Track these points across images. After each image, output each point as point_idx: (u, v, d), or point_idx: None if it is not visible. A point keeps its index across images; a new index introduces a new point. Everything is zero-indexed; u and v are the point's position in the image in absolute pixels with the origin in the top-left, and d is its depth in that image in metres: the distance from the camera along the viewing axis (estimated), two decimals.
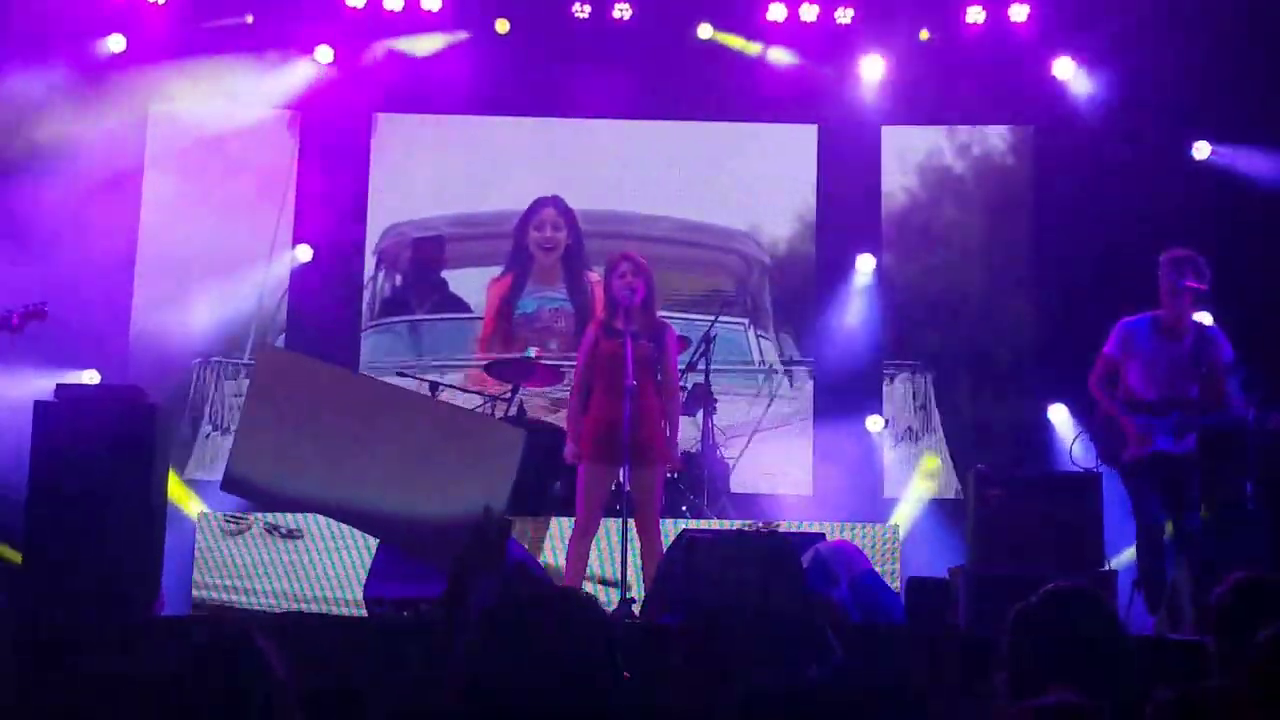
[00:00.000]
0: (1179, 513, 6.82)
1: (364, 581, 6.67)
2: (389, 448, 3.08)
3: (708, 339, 8.85)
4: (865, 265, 10.49)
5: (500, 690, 2.28)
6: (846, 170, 10.52)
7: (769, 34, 10.38)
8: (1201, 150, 9.83)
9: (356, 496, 3.10)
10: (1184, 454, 6.89)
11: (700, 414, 9.00)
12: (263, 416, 3.17)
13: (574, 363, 7.29)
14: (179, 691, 2.51)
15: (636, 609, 6.74)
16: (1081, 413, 9.55)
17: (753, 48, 10.41)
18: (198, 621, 5.89)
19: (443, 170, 10.61)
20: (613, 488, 6.94)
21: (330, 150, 10.40)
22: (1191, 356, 6.88)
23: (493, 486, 3.02)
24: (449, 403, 3.11)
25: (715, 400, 9.03)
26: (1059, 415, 10.01)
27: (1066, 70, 10.19)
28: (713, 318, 8.92)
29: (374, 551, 6.78)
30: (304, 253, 10.30)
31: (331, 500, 3.17)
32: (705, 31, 10.43)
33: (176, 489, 9.14)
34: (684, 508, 8.64)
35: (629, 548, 6.80)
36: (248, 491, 3.17)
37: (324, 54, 10.29)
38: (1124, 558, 7.69)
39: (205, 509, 9.25)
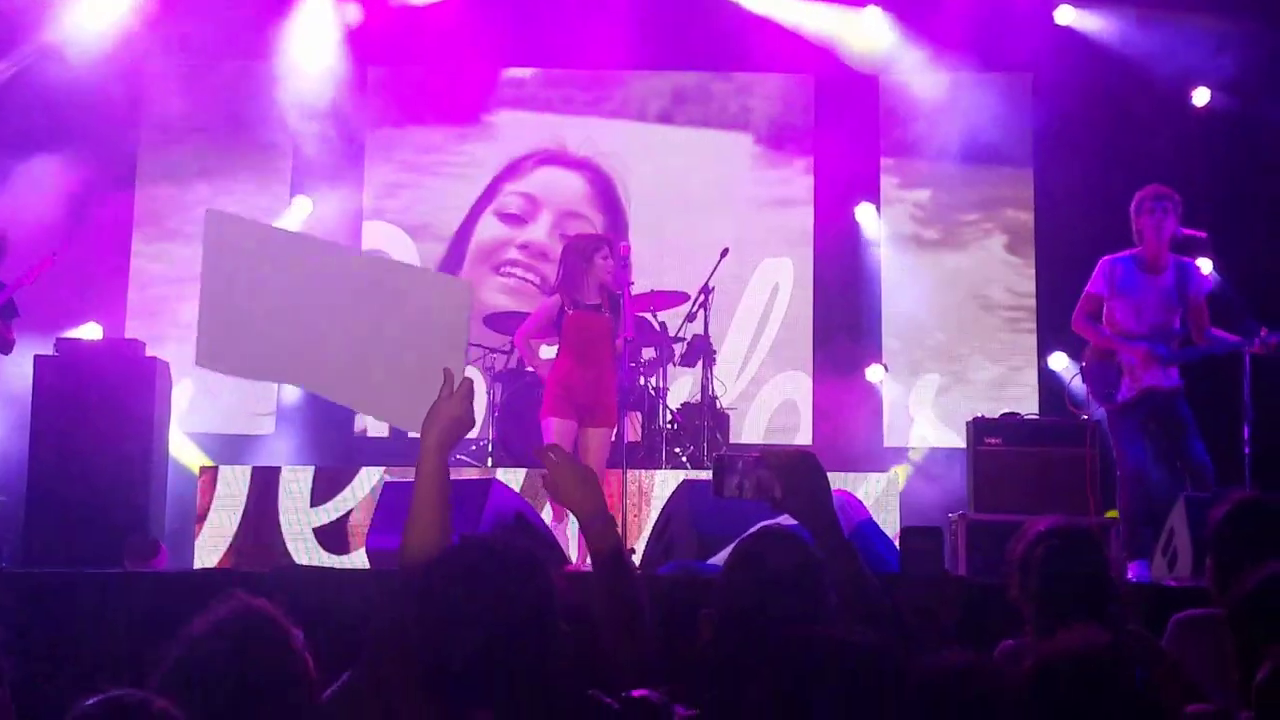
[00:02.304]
0: (1175, 451, 6.80)
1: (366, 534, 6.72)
2: (344, 309, 2.89)
3: (706, 289, 8.81)
4: (864, 215, 10.48)
5: (440, 645, 2.27)
6: (844, 120, 10.47)
7: None
8: (1201, 97, 9.76)
9: (321, 364, 2.92)
10: (1172, 388, 6.82)
11: (700, 365, 8.99)
12: (222, 283, 2.92)
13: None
14: (198, 672, 2.48)
15: (636, 559, 6.77)
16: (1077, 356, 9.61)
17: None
18: (199, 575, 5.91)
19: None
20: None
21: (329, 102, 10.35)
22: (1174, 290, 6.89)
23: (447, 345, 2.82)
24: (388, 259, 2.79)
25: (715, 352, 9.02)
26: (1059, 363, 10.03)
27: (1067, 17, 10.13)
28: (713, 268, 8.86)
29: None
30: (302, 205, 10.31)
31: (300, 371, 2.99)
32: None
33: (178, 443, 9.16)
34: (684, 458, 8.66)
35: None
36: (221, 366, 2.98)
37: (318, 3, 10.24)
38: None
39: (207, 462, 9.29)
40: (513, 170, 10.78)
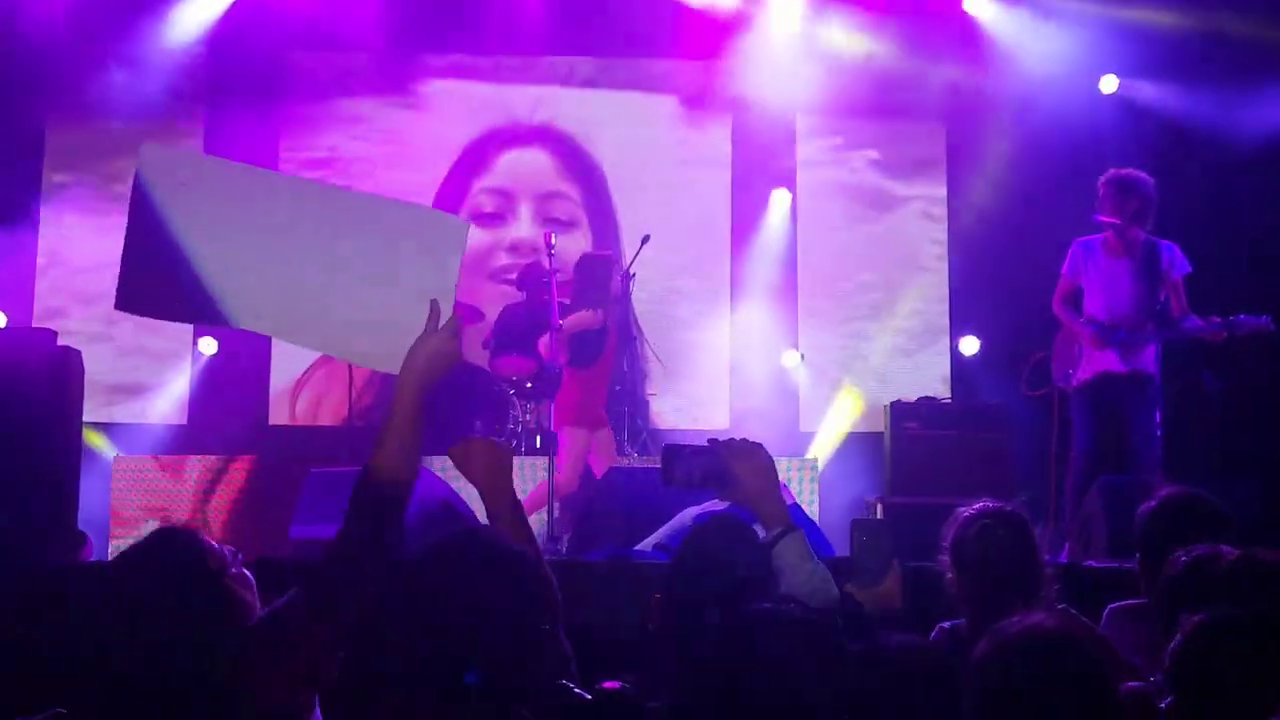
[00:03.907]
0: (1119, 433, 6.90)
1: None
2: (312, 244, 2.75)
3: (627, 275, 8.81)
4: (780, 200, 10.53)
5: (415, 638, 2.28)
6: (762, 107, 10.48)
7: None
8: (1109, 84, 9.90)
9: (278, 303, 2.77)
10: (1131, 372, 6.90)
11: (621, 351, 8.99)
12: (151, 222, 2.75)
13: None
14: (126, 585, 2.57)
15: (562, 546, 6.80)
16: (994, 342, 9.76)
17: None
18: None
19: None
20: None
21: (241, 86, 10.22)
22: (1144, 272, 6.92)
23: (435, 282, 2.75)
24: (378, 196, 2.63)
25: (635, 338, 9.03)
26: (969, 346, 10.17)
27: (980, 8, 10.24)
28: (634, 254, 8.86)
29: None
30: None
31: (247, 309, 2.79)
32: None
33: (90, 432, 9.00)
34: None
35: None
36: (146, 307, 2.82)
37: None
38: None
39: (119, 452, 9.17)
40: (475, 161, 10.50)
